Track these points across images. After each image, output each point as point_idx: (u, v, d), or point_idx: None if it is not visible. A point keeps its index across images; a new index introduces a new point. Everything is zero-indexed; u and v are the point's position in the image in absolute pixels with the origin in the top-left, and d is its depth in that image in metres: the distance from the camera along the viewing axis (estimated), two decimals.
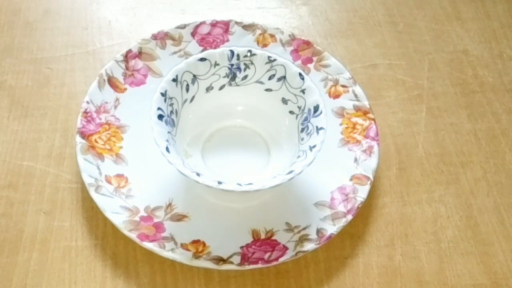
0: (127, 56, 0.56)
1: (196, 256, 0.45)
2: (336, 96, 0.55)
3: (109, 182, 0.49)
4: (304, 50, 0.58)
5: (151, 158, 0.48)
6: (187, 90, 0.50)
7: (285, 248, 0.47)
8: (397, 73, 0.60)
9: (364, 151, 0.52)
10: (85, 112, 0.52)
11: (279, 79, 0.50)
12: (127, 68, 0.55)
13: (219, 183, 0.44)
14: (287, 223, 0.48)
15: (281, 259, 0.46)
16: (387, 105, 0.58)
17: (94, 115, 0.52)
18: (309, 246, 0.46)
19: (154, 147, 0.45)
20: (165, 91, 0.48)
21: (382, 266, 0.48)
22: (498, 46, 0.63)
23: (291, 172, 0.45)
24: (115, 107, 0.53)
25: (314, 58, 0.57)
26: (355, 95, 0.55)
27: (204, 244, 0.46)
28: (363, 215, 0.50)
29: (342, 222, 0.48)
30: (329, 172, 0.51)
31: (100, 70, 0.54)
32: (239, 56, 0.51)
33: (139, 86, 0.55)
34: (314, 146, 0.46)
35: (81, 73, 0.58)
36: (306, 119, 0.49)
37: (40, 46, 0.60)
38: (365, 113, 0.54)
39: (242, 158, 0.52)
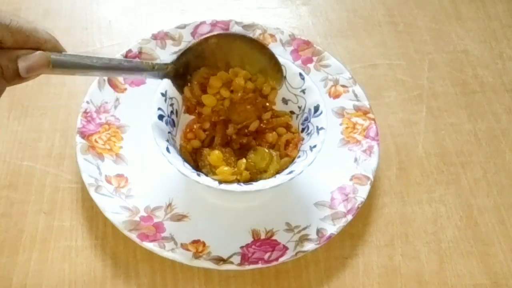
0: (127, 56, 0.56)
1: (196, 256, 0.45)
2: (336, 96, 0.55)
3: (109, 182, 0.49)
4: (304, 50, 0.58)
5: (151, 158, 0.48)
6: None
7: (285, 248, 0.47)
8: (397, 73, 0.60)
9: (364, 151, 0.52)
10: (85, 112, 0.52)
11: None
12: None
13: (219, 183, 0.44)
14: (287, 223, 0.48)
15: (281, 259, 0.46)
16: (387, 105, 0.58)
17: (94, 115, 0.52)
18: (309, 246, 0.46)
19: (154, 147, 0.45)
20: (165, 91, 0.48)
21: (382, 266, 0.48)
22: (498, 46, 0.63)
23: (291, 172, 0.45)
24: (115, 107, 0.53)
25: (314, 58, 0.57)
26: (355, 95, 0.55)
27: (204, 244, 0.46)
28: (363, 215, 0.50)
29: (342, 222, 0.48)
30: (329, 172, 0.51)
31: None
32: None
33: (139, 86, 0.55)
34: (315, 146, 0.46)
35: None
36: (306, 119, 0.49)
37: None
38: (365, 113, 0.54)
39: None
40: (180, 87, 0.47)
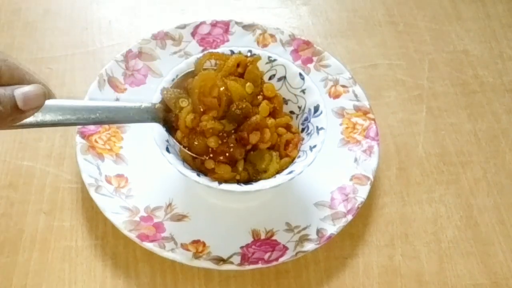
0: (127, 56, 0.56)
1: (196, 256, 0.45)
2: (336, 96, 0.55)
3: (109, 182, 0.49)
4: (304, 50, 0.58)
5: (151, 158, 0.48)
6: None
7: (285, 248, 0.47)
8: (397, 73, 0.60)
9: (364, 151, 0.52)
10: None
11: (279, 79, 0.50)
12: (127, 68, 0.55)
13: (219, 183, 0.44)
14: (287, 223, 0.48)
15: (281, 259, 0.46)
16: (387, 105, 0.58)
17: None
18: (309, 246, 0.46)
19: (154, 147, 0.45)
20: None
21: (382, 266, 0.48)
22: (498, 46, 0.63)
23: (291, 172, 0.45)
24: None
25: (314, 58, 0.57)
26: (355, 95, 0.55)
27: (204, 244, 0.46)
28: (363, 215, 0.50)
29: (342, 222, 0.48)
30: (329, 172, 0.51)
31: (100, 70, 0.54)
32: None
33: (139, 86, 0.55)
34: (315, 146, 0.46)
35: (81, 73, 0.58)
36: (306, 119, 0.49)
37: (40, 46, 0.60)
38: (365, 113, 0.54)
39: None
40: (170, 130, 0.45)
